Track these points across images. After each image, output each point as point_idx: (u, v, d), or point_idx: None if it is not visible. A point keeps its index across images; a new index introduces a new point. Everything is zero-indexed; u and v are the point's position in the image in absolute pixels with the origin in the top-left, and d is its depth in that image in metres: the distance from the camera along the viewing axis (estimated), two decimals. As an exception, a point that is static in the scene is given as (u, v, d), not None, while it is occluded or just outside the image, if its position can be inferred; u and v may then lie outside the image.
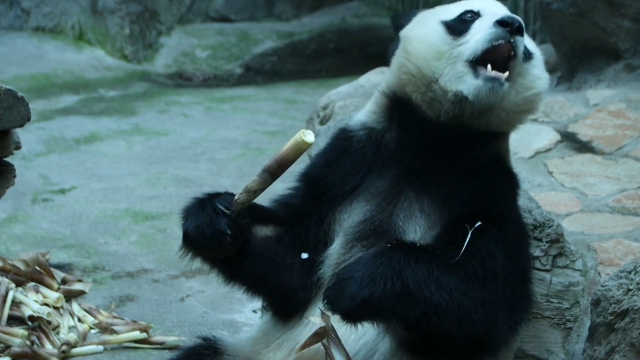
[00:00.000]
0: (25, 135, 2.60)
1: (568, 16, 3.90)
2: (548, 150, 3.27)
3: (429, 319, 1.87)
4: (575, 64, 3.99)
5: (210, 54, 6.36)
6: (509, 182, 2.13)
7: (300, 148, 1.99)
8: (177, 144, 4.77)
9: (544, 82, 2.12)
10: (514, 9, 5.64)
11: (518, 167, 2.99)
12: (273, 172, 2.00)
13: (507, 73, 1.99)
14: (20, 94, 2.47)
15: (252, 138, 4.77)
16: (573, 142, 3.33)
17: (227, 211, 2.02)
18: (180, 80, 6.07)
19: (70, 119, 5.07)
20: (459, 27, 2.05)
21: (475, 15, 2.06)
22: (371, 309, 1.85)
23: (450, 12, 2.11)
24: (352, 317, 1.87)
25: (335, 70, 5.83)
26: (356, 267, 1.87)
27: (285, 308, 2.19)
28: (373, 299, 1.83)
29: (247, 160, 4.38)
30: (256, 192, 2.02)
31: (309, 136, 1.97)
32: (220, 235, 2.01)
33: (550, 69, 4.17)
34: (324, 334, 1.94)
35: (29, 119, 2.48)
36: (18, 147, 2.53)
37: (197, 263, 2.15)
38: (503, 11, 2.09)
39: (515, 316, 2.07)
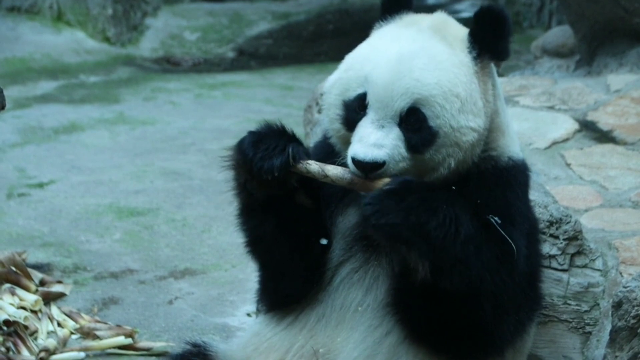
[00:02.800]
0: (-1, 124, 2.61)
1: (587, -5, 3.89)
2: (565, 140, 3.26)
3: (453, 269, 1.97)
4: (595, 46, 3.99)
5: (200, 37, 6.35)
6: (510, 182, 2.13)
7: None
8: (165, 134, 4.76)
9: (453, 158, 2.07)
10: (528, -13, 5.63)
11: (533, 158, 3.00)
12: (352, 184, 2.07)
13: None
14: (-6, 80, 2.47)
15: (246, 127, 4.70)
16: (593, 132, 3.32)
17: (290, 160, 2.06)
18: (168, 65, 6.06)
19: (48, 107, 5.06)
20: (351, 118, 2.09)
21: (364, 107, 2.06)
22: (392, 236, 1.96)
23: (352, 83, 2.09)
24: (375, 229, 1.97)
25: (335, 54, 5.80)
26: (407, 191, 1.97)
27: (279, 298, 2.21)
28: (398, 233, 1.95)
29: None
30: (315, 176, 2.09)
31: None
32: (270, 167, 2.06)
33: (568, 52, 4.20)
34: None
35: (3, 107, 2.48)
36: (-8, 138, 2.53)
37: (228, 176, 2.18)
38: (388, 104, 2.04)
39: (520, 316, 2.12)
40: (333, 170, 2.06)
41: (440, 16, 2.16)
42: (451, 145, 2.05)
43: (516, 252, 2.02)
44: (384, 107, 2.03)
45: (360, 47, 2.15)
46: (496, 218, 2.01)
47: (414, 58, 2.05)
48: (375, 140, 2.01)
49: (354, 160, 2.01)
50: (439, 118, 2.03)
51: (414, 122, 2.03)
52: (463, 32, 2.12)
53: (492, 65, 2.14)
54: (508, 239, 1.98)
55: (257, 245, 2.23)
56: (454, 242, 1.95)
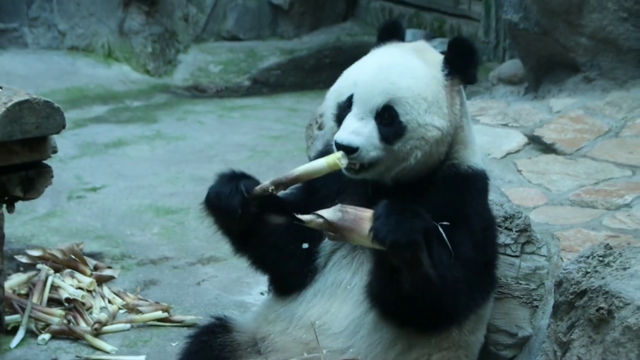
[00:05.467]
0: (61, 140, 2.60)
1: (533, 35, 3.90)
2: (517, 151, 3.26)
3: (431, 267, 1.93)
4: (540, 76, 4.00)
5: (222, 69, 6.35)
6: (469, 186, 2.12)
7: (323, 172, 2.03)
8: (193, 147, 4.76)
9: (420, 150, 2.04)
10: (487, 29, 5.65)
11: (491, 166, 3.00)
12: (289, 183, 2.05)
13: (357, 167, 2.03)
14: (56, 105, 2.47)
15: (259, 142, 4.77)
16: (538, 144, 3.33)
17: (245, 194, 2.05)
18: (196, 91, 6.05)
19: (100, 126, 5.07)
20: (341, 115, 2.07)
21: (350, 105, 2.06)
22: (411, 245, 1.88)
23: (345, 89, 2.10)
24: (396, 247, 1.88)
25: (332, 82, 5.78)
26: (399, 211, 1.90)
27: (283, 287, 2.21)
28: (416, 241, 1.88)
29: (255, 162, 4.37)
30: (277, 187, 2.05)
31: (341, 160, 2.02)
32: (231, 209, 2.06)
33: (518, 81, 4.20)
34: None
35: (64, 127, 2.48)
36: (55, 151, 2.53)
37: (209, 224, 2.16)
38: (367, 101, 2.03)
39: (474, 296, 2.12)
40: (268, 183, 2.05)
41: (421, 43, 2.19)
42: (418, 138, 2.03)
43: (463, 248, 2.01)
44: (364, 104, 2.03)
45: (351, 67, 2.17)
46: (446, 223, 1.98)
47: (393, 67, 2.06)
48: (354, 129, 2.01)
49: (336, 143, 2.01)
50: (408, 115, 2.02)
51: (387, 117, 2.02)
52: (439, 56, 2.13)
53: (462, 87, 2.13)
54: (446, 240, 1.96)
55: (256, 263, 2.24)
56: (437, 249, 1.94)
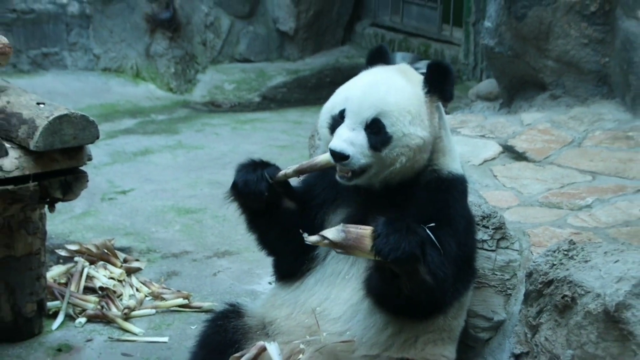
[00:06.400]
0: (95, 149, 2.61)
1: (507, 58, 3.91)
2: (493, 159, 3.26)
3: (427, 273, 1.93)
4: (513, 93, 4.01)
5: (235, 87, 6.35)
6: (451, 190, 2.11)
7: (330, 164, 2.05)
8: (210, 155, 4.76)
9: (405, 156, 2.03)
10: (466, 53, 5.66)
11: (470, 172, 3.00)
12: (309, 169, 2.09)
13: (349, 174, 2.02)
14: (91, 118, 2.48)
15: (268, 151, 4.77)
16: (512, 153, 3.33)
17: (269, 179, 2.06)
18: (212, 107, 6.05)
19: (129, 137, 5.06)
20: (335, 127, 2.07)
21: (342, 117, 2.05)
22: (411, 259, 1.88)
23: (337, 103, 2.09)
24: (398, 261, 1.88)
25: (331, 99, 5.81)
26: (397, 228, 1.89)
27: (284, 271, 2.21)
28: (415, 255, 1.88)
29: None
30: (298, 173, 2.08)
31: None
32: (260, 193, 2.07)
33: (494, 97, 4.21)
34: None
35: (98, 137, 2.49)
36: (90, 159, 2.54)
37: (234, 207, 2.16)
38: (358, 113, 2.03)
39: (457, 286, 2.11)
40: (303, 164, 2.07)
41: (404, 65, 2.20)
42: (403, 146, 2.03)
43: (449, 244, 2.00)
44: (355, 116, 2.03)
45: (343, 85, 2.17)
46: (432, 224, 1.98)
47: (380, 85, 2.06)
48: (346, 138, 2.01)
49: (330, 150, 2.01)
50: (394, 126, 2.03)
51: (375, 128, 2.03)
52: (420, 76, 2.14)
53: (440, 104, 2.14)
54: (436, 242, 1.96)
55: (264, 242, 2.24)
56: (432, 255, 1.94)
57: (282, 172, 2.08)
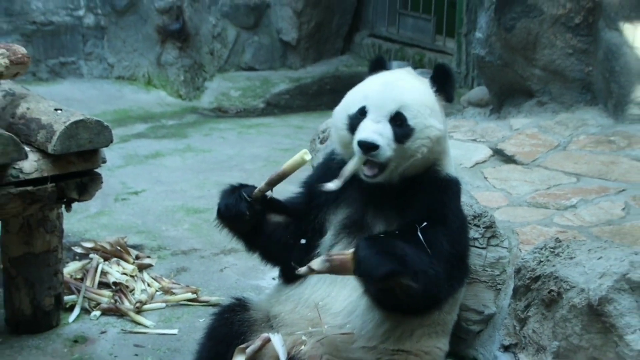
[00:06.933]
0: (109, 152, 2.61)
1: (497, 66, 3.92)
2: (484, 161, 3.27)
3: (411, 280, 1.92)
4: (503, 100, 4.01)
5: (241, 94, 6.35)
6: (447, 190, 2.12)
7: (302, 163, 2.03)
8: (217, 158, 4.76)
9: (426, 147, 2.04)
10: (459, 62, 5.66)
11: (463, 174, 3.00)
12: (279, 179, 2.07)
13: (376, 171, 2.00)
14: (105, 123, 2.49)
15: (271, 154, 4.77)
16: (501, 156, 3.33)
17: (248, 198, 2.06)
18: (219, 112, 6.05)
19: (141, 141, 5.06)
20: (354, 123, 2.04)
21: (364, 114, 2.04)
22: (391, 275, 1.88)
23: (354, 103, 2.07)
24: (381, 279, 1.89)
25: (331, 105, 5.79)
26: (375, 249, 1.88)
27: (289, 274, 2.21)
28: (395, 270, 1.87)
29: (268, 170, 4.33)
30: (270, 185, 2.07)
31: (306, 155, 2.02)
32: (240, 214, 2.06)
33: (485, 104, 4.21)
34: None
35: (112, 141, 2.50)
36: (104, 161, 2.55)
37: (225, 233, 2.16)
38: (381, 107, 2.02)
39: (452, 283, 2.11)
40: (272, 176, 2.06)
41: (409, 68, 2.22)
42: (424, 138, 2.03)
43: (442, 243, 2.00)
44: (379, 109, 2.02)
45: (353, 88, 2.16)
46: (425, 224, 1.98)
47: (398, 81, 2.08)
48: (375, 129, 1.99)
49: (359, 142, 1.98)
50: (416, 118, 2.03)
51: (399, 121, 2.02)
52: (425, 78, 2.16)
53: (443, 105, 2.15)
54: (424, 244, 1.96)
55: (264, 258, 2.25)
56: (414, 262, 1.93)
57: (257, 189, 2.08)
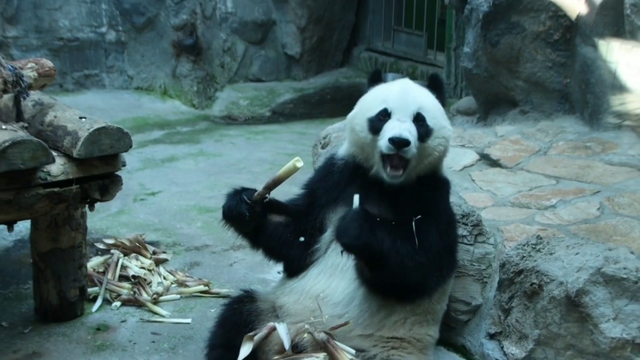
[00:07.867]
0: (129, 157, 2.61)
1: (483, 78, 3.92)
2: (472, 165, 3.27)
3: (385, 267, 1.92)
4: (489, 109, 4.02)
5: (249, 103, 6.36)
6: (440, 189, 2.13)
7: (294, 170, 2.05)
8: (227, 162, 4.76)
9: (442, 146, 2.07)
10: (448, 74, 5.66)
11: (452, 176, 2.99)
12: (274, 184, 2.08)
13: (401, 171, 2.00)
14: (125, 130, 2.49)
15: (277, 158, 4.77)
16: (487, 160, 3.34)
17: (248, 201, 2.07)
18: (229, 120, 6.05)
19: (158, 146, 5.07)
20: (376, 125, 2.04)
21: (386, 116, 2.03)
22: (357, 247, 1.90)
23: (373, 107, 2.07)
24: (349, 249, 1.92)
25: (332, 113, 5.80)
26: (354, 223, 1.89)
27: (291, 269, 2.22)
28: (363, 244, 1.89)
29: (274, 172, 4.31)
30: (268, 189, 2.08)
31: (298, 163, 2.02)
32: (241, 215, 2.08)
33: (472, 112, 4.22)
34: None
35: (131, 147, 2.50)
36: (124, 165, 2.55)
37: (231, 232, 2.18)
38: (405, 109, 2.02)
39: (442, 273, 2.12)
40: (268, 182, 2.07)
41: (406, 79, 2.23)
42: (441, 137, 2.06)
43: (431, 235, 1.99)
44: (403, 110, 2.03)
45: (366, 95, 2.15)
46: (419, 217, 1.98)
47: (413, 88, 2.10)
48: (405, 127, 1.99)
49: (392, 139, 1.96)
50: (434, 119, 2.05)
51: (420, 121, 2.03)
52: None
53: None
54: (415, 237, 1.96)
55: (267, 255, 2.26)
56: (389, 247, 1.93)
57: (257, 193, 2.10)
